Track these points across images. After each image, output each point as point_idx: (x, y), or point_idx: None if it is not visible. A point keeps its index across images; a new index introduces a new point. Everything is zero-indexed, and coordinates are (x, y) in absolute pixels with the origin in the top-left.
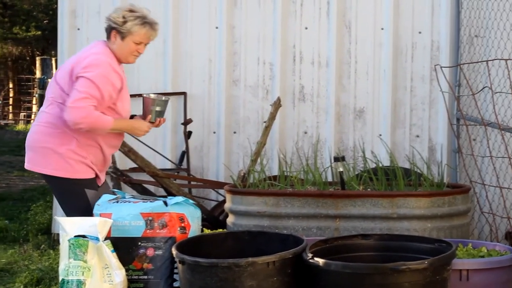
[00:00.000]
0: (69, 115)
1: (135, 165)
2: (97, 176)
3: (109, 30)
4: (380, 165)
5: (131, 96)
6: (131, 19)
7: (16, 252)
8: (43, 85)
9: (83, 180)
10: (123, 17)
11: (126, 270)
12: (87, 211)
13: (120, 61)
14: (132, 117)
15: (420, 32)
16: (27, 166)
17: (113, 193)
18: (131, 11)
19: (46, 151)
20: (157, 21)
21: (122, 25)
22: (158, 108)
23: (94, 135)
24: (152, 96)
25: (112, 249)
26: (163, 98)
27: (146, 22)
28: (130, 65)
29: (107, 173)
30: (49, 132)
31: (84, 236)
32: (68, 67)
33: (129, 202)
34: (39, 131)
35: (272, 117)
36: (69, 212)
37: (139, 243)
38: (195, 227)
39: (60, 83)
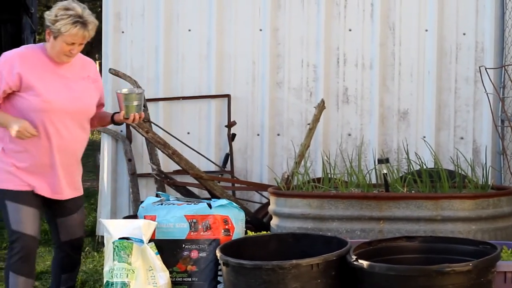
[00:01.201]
0: None
1: (179, 168)
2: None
3: (45, 28)
4: (424, 167)
5: (171, 98)
6: (63, 18)
7: None
8: None
9: (6, 191)
10: (55, 16)
11: (170, 272)
12: (9, 226)
13: (54, 60)
14: (113, 115)
15: (464, 34)
16: None
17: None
18: (65, 9)
19: None
20: (93, 19)
21: (53, 24)
22: (135, 103)
23: (16, 139)
24: (124, 90)
25: (156, 251)
26: (136, 91)
27: (78, 22)
28: (174, 67)
29: (151, 175)
30: None
31: (128, 238)
32: None
33: (173, 204)
34: None
35: (316, 119)
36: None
37: (183, 245)
38: (239, 229)
39: None
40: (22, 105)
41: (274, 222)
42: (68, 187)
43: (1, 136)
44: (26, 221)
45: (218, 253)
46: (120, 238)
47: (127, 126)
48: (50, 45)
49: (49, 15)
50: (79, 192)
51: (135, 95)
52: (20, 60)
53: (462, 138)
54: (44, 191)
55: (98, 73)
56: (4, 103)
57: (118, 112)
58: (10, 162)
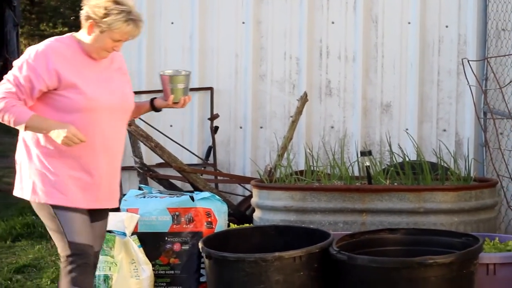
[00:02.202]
0: None
1: (162, 161)
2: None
3: (86, 19)
4: (407, 159)
5: (153, 91)
6: (114, 13)
7: (43, 248)
8: None
9: (51, 205)
10: (105, 9)
11: (153, 265)
12: (63, 238)
13: (90, 55)
14: (152, 100)
15: (447, 26)
16: None
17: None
18: (115, 2)
19: None
20: (141, 17)
21: (102, 18)
22: (182, 86)
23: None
24: (167, 72)
25: (139, 244)
26: (183, 72)
27: (131, 19)
28: (157, 60)
29: (134, 168)
30: None
31: (111, 231)
32: None
33: (156, 197)
34: None
35: (299, 111)
36: None
37: (166, 238)
38: (221, 222)
39: None
40: (63, 105)
41: (257, 214)
42: (107, 195)
43: (34, 138)
44: (81, 230)
45: (200, 246)
46: None
47: None
48: (93, 39)
49: (96, 6)
50: (115, 203)
51: (182, 77)
52: (55, 55)
53: (444, 130)
54: (80, 202)
55: (125, 65)
56: (35, 104)
57: (155, 98)
58: (53, 170)
